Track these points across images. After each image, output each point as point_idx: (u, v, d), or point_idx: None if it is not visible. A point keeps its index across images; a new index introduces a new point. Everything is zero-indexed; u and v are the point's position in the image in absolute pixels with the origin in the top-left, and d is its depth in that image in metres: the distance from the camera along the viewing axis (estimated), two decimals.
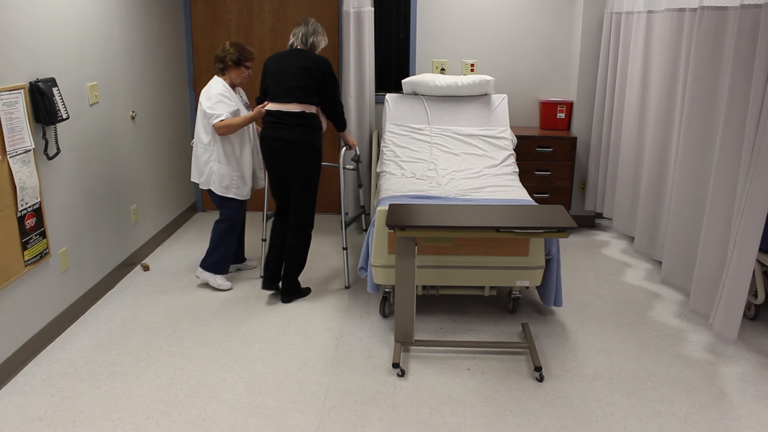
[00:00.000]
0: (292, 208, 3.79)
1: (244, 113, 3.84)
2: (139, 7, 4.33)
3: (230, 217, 3.95)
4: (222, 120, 3.69)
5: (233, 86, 3.87)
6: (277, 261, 3.89)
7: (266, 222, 4.26)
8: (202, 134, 3.82)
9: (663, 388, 2.95)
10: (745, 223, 3.05)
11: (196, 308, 3.75)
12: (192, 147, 3.95)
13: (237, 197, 3.91)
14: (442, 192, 3.85)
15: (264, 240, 4.23)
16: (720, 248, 3.35)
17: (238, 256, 4.29)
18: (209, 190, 3.90)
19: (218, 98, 3.73)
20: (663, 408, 2.80)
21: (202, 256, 4.33)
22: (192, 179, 3.96)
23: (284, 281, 3.87)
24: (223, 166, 3.83)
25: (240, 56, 3.79)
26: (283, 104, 3.67)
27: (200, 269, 4.03)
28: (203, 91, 3.78)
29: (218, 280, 4.01)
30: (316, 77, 3.66)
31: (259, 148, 4.03)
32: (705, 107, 3.52)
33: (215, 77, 3.84)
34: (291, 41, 3.79)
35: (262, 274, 4.14)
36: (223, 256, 3.99)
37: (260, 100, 3.82)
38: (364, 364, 3.14)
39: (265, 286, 3.87)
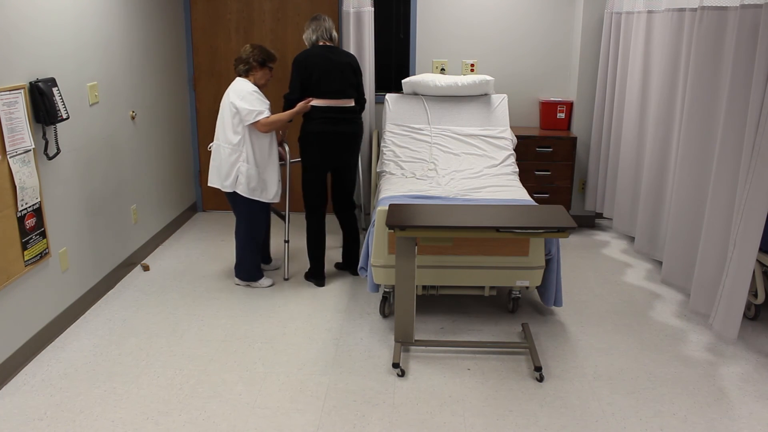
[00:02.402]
0: (348, 195, 4.10)
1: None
2: (139, 8, 4.33)
3: (249, 221, 3.90)
4: (267, 117, 3.73)
5: (259, 87, 3.88)
6: (322, 256, 4.09)
7: (289, 224, 4.27)
8: (230, 135, 3.76)
9: (663, 388, 2.95)
10: (745, 223, 3.05)
11: (196, 308, 3.75)
12: (210, 151, 3.91)
13: (262, 200, 3.88)
14: (442, 192, 3.85)
15: (287, 241, 4.22)
16: (720, 248, 3.35)
17: (264, 257, 4.29)
18: (232, 194, 3.85)
19: (254, 96, 3.74)
20: (663, 408, 2.80)
21: (233, 264, 4.28)
22: (210, 184, 3.89)
23: (353, 259, 4.22)
24: (251, 167, 3.79)
25: (264, 57, 3.81)
26: (336, 100, 3.87)
27: (236, 279, 4.07)
28: (231, 92, 3.74)
29: (260, 281, 4.05)
30: (355, 72, 3.96)
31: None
32: (705, 107, 3.52)
33: (238, 79, 3.82)
34: (313, 38, 3.90)
35: (286, 277, 4.19)
36: (254, 262, 4.00)
37: (296, 98, 3.87)
38: (364, 364, 3.14)
39: (321, 284, 4.09)
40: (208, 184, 3.94)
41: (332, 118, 3.87)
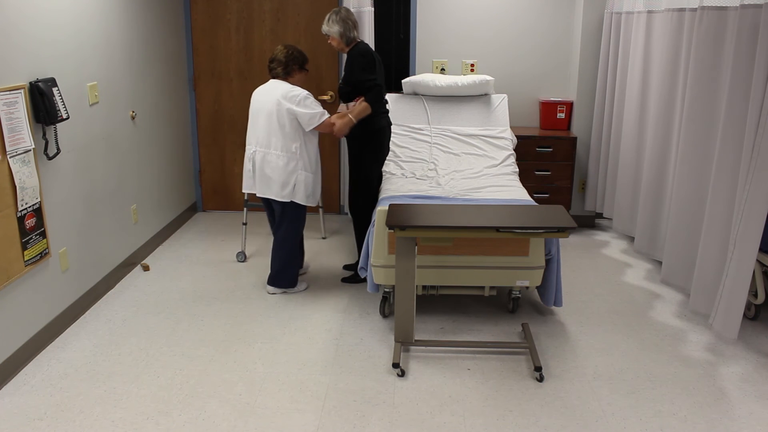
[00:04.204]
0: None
1: None
2: (139, 8, 4.33)
3: (298, 228, 3.84)
4: (329, 116, 3.70)
5: None
6: None
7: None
8: (288, 142, 3.66)
9: (663, 388, 2.95)
10: (745, 223, 3.05)
11: (196, 309, 3.75)
12: (253, 158, 3.74)
13: (311, 204, 3.84)
14: (442, 192, 3.85)
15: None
16: (720, 248, 3.35)
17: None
18: (283, 203, 3.74)
19: (310, 99, 3.66)
20: (663, 408, 2.80)
21: (268, 273, 4.06)
22: (261, 194, 3.74)
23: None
24: (309, 174, 3.74)
25: (303, 59, 3.76)
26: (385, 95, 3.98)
27: (273, 288, 3.91)
28: (282, 98, 3.62)
29: (297, 287, 3.96)
30: None
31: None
32: (705, 107, 3.52)
33: (279, 82, 3.72)
34: (354, 34, 3.86)
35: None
36: (296, 270, 3.91)
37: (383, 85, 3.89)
38: (364, 364, 3.14)
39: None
40: (258, 195, 3.74)
41: (387, 111, 4.01)
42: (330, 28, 3.83)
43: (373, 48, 4.92)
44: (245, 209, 4.50)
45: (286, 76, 3.74)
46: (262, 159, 3.70)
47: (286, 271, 3.87)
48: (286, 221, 3.80)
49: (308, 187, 3.75)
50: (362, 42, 3.88)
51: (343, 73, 5.06)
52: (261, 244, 4.81)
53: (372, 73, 3.77)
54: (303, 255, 4.22)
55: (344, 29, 3.81)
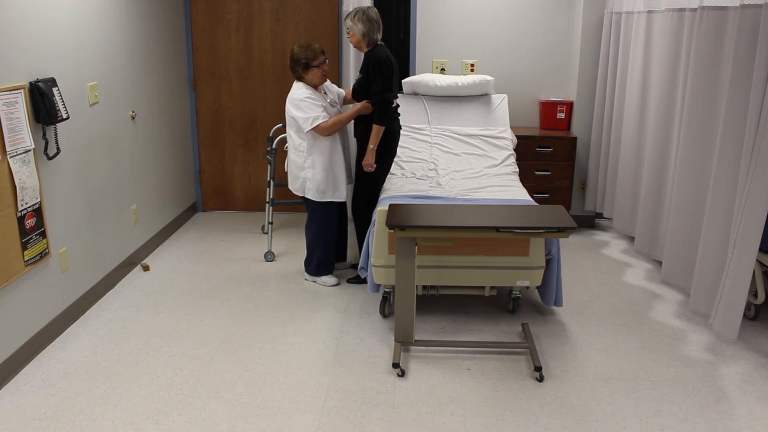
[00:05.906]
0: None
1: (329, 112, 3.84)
2: (139, 8, 4.33)
3: (322, 221, 3.95)
4: (326, 120, 3.74)
5: (316, 87, 3.85)
6: None
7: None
8: (296, 141, 3.84)
9: (663, 388, 2.95)
10: (745, 223, 3.05)
11: (196, 308, 3.75)
12: (285, 152, 3.99)
13: (335, 200, 3.92)
14: (442, 192, 3.85)
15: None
16: (720, 248, 3.35)
17: (339, 255, 4.29)
18: (304, 198, 3.92)
19: (307, 102, 3.73)
20: (663, 408, 2.80)
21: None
22: (289, 186, 3.98)
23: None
24: (318, 172, 3.83)
25: (306, 60, 3.76)
26: (397, 99, 3.95)
27: (306, 274, 4.14)
28: (288, 100, 3.79)
29: (323, 278, 4.06)
30: None
31: (346, 148, 4.04)
32: (705, 107, 3.52)
33: (295, 83, 3.85)
34: (378, 36, 3.84)
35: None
36: (323, 258, 4.02)
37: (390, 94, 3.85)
38: (364, 364, 3.14)
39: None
40: (288, 186, 4.03)
41: (398, 115, 4.00)
42: (355, 24, 3.79)
43: None
44: (269, 208, 4.55)
45: (298, 79, 3.84)
46: (287, 155, 3.97)
47: (310, 259, 4.06)
48: (310, 214, 4.00)
49: (319, 185, 3.85)
50: (382, 45, 3.84)
51: (342, 69, 5.06)
52: (261, 244, 4.81)
53: (386, 81, 3.76)
54: (344, 249, 4.33)
55: (368, 29, 3.78)
